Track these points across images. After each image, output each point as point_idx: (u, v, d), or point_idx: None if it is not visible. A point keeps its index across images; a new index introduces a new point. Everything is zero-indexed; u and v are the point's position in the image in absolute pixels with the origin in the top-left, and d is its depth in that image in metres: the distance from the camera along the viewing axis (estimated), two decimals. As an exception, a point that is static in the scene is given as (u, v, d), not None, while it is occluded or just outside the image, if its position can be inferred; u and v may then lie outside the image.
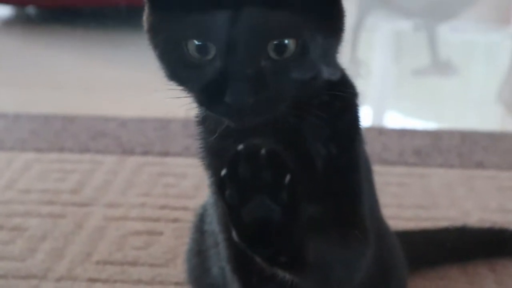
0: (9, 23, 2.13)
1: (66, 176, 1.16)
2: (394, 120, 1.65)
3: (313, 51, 0.54)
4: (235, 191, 0.49)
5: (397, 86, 1.82)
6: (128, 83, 1.44)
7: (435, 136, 1.33)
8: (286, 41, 0.53)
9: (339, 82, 0.61)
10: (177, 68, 0.56)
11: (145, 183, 1.14)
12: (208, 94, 0.54)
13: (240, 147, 0.48)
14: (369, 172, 0.68)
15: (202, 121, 0.64)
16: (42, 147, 1.28)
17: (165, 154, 1.25)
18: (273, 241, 0.50)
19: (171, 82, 0.58)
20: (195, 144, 0.66)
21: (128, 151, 1.25)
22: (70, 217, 1.03)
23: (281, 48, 0.53)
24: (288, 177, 0.48)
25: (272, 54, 0.53)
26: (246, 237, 0.50)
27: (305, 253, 0.52)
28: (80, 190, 1.12)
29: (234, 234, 0.50)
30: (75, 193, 1.11)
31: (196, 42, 0.53)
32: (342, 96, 0.60)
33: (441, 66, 1.93)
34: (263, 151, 0.48)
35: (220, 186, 0.49)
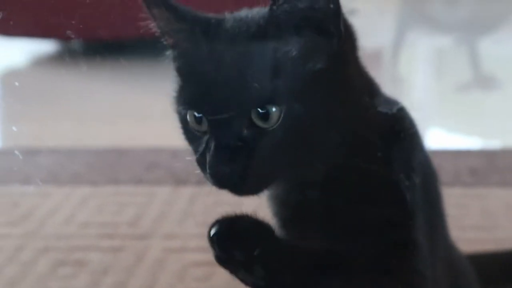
0: (56, 58, 2.18)
1: (123, 209, 1.19)
2: (440, 138, 1.63)
3: (306, 115, 0.52)
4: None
5: (440, 103, 1.80)
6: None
7: (490, 155, 1.33)
8: (272, 109, 0.51)
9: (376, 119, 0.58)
10: (187, 139, 0.57)
11: (202, 213, 1.14)
12: (200, 166, 0.55)
13: (213, 231, 0.51)
14: (439, 199, 0.68)
15: None
16: (97, 181, 1.30)
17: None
18: None
19: None
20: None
21: (181, 182, 1.27)
22: (130, 250, 1.05)
23: (265, 116, 0.51)
24: (257, 251, 0.50)
25: (258, 122, 0.51)
26: None
27: None
28: (137, 223, 1.14)
29: None
30: (133, 226, 1.13)
31: (195, 114, 0.54)
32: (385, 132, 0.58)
33: (484, 81, 1.92)
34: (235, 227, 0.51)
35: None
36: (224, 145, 0.51)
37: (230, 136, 0.51)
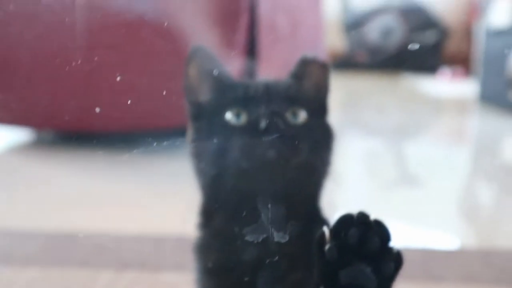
0: (27, 146, 2.28)
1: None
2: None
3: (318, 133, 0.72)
4: (335, 250, 0.54)
5: (370, 198, 1.86)
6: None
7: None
8: (301, 111, 0.71)
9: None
10: (208, 131, 0.72)
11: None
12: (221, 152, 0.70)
13: (352, 213, 0.55)
14: None
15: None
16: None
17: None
18: None
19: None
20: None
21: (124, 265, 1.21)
22: None
23: (295, 113, 0.70)
24: (396, 249, 0.53)
25: (289, 118, 0.70)
26: None
27: None
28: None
29: None
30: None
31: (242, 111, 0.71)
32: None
33: (409, 179, 2.04)
34: (372, 219, 0.54)
35: (319, 241, 0.55)
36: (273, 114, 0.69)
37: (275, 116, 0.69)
